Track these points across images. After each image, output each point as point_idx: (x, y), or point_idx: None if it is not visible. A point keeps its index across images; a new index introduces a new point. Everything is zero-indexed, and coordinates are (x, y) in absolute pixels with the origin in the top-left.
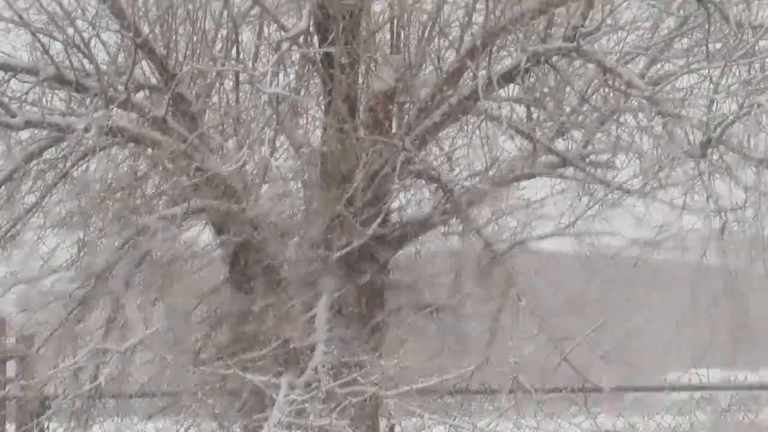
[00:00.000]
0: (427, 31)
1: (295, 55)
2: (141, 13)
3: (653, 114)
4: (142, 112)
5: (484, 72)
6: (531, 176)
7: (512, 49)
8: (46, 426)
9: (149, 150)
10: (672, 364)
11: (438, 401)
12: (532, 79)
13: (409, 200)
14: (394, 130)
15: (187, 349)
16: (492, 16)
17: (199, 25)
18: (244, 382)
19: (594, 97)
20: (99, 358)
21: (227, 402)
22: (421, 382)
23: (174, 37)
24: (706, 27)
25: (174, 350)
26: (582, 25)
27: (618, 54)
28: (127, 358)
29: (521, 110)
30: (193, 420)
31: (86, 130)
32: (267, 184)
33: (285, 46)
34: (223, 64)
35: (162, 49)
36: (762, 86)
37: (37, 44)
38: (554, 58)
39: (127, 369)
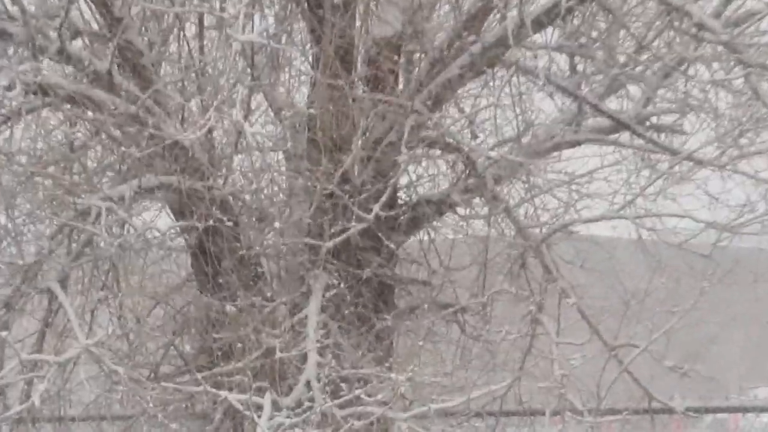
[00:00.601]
0: None
1: None
2: None
3: (732, 64)
4: (80, 66)
5: (514, 12)
6: (575, 144)
7: None
8: None
9: (90, 113)
10: (759, 377)
11: (463, 426)
12: (576, 21)
13: (421, 175)
14: (400, 88)
15: (143, 361)
16: None
17: None
18: (217, 401)
19: (656, 43)
20: (31, 372)
21: (196, 427)
22: (442, 401)
23: None
24: None
25: (127, 362)
26: None
27: None
28: (67, 373)
29: (562, 60)
30: None
31: (8, 88)
32: (240, 156)
33: None
34: (183, 4)
35: None
36: None
37: None
38: None
39: (68, 386)
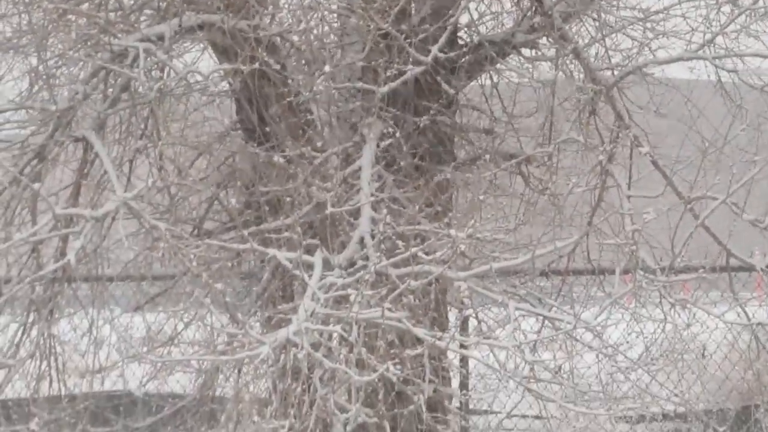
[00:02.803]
0: None
1: None
2: None
3: None
4: None
5: None
6: None
7: None
8: None
9: None
10: None
11: (528, 285)
12: None
13: (484, 13)
14: None
15: (186, 217)
16: None
17: None
18: (264, 259)
19: None
20: (66, 227)
21: (242, 287)
22: (505, 259)
23: None
24: None
25: (168, 218)
26: None
27: None
28: (105, 229)
29: None
30: (196, 312)
31: None
32: None
33: None
34: None
35: None
36: None
37: None
38: None
39: (105, 243)
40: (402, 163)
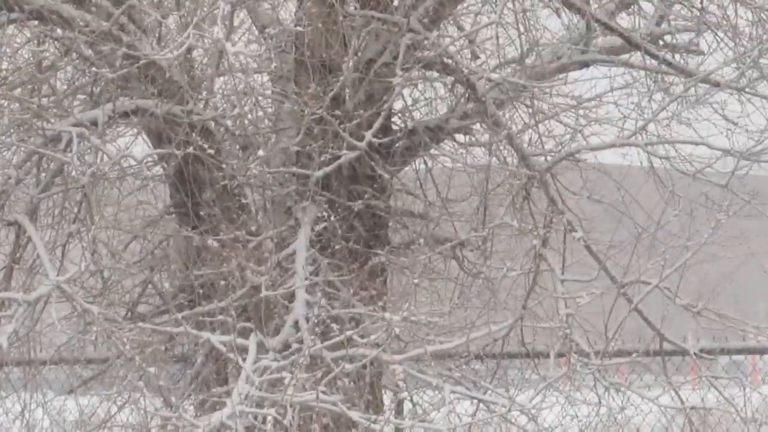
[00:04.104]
0: None
1: None
2: None
3: None
4: None
5: None
6: (584, 65)
7: None
8: None
9: (59, 30)
10: None
11: (463, 368)
12: None
13: (418, 99)
14: (395, 3)
15: (119, 300)
16: None
17: None
18: (198, 343)
19: None
20: None
21: (176, 371)
22: (439, 342)
23: None
24: None
25: (101, 301)
26: None
27: None
28: (37, 312)
29: None
30: (130, 395)
31: None
32: (222, 78)
33: None
34: None
35: None
36: None
37: None
38: None
39: (38, 327)
40: (337, 247)
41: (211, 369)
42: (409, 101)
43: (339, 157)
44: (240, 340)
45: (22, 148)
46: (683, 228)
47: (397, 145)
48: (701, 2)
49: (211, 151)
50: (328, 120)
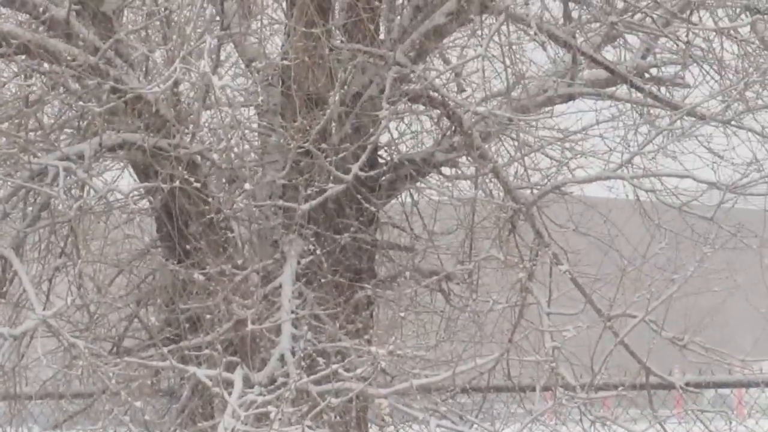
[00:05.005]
0: None
1: None
2: None
3: (737, 11)
4: (35, 13)
5: None
6: (569, 98)
7: None
8: None
9: (46, 65)
10: (764, 349)
11: (449, 402)
12: None
13: (404, 132)
14: (381, 37)
15: (105, 334)
16: None
17: None
18: (184, 377)
19: None
20: None
21: (162, 405)
22: (425, 376)
23: None
24: None
25: (87, 336)
26: None
27: None
28: (23, 347)
29: (556, 8)
30: (115, 430)
31: None
32: (208, 112)
33: None
34: None
35: None
36: None
37: None
38: None
39: (23, 361)
40: (323, 280)
41: (197, 403)
42: (396, 134)
43: (325, 191)
44: (226, 374)
45: (9, 182)
46: (669, 261)
47: (383, 178)
48: (687, 35)
49: (198, 185)
50: (314, 153)
